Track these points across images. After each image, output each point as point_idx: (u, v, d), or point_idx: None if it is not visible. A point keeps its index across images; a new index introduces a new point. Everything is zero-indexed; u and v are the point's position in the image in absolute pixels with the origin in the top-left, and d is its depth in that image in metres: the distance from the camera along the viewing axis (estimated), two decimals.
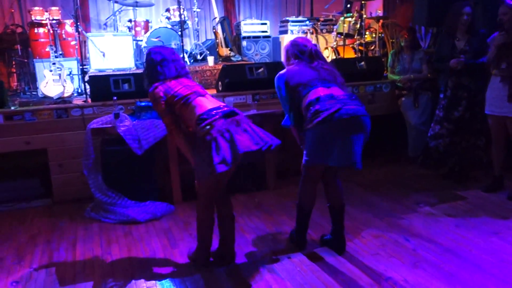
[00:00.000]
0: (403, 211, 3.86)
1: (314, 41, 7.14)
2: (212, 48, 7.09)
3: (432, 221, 3.62)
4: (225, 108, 2.83)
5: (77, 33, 5.37)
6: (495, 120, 4.03)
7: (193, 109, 2.82)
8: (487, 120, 4.14)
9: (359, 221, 3.58)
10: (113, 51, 5.89)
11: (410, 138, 5.18)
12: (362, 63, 5.44)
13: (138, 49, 6.54)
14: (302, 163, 3.07)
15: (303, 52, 3.10)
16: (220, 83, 5.07)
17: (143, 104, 4.17)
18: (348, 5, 7.29)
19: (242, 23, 7.17)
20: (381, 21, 6.68)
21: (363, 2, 6.73)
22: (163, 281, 2.88)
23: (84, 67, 5.57)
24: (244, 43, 7.02)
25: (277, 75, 3.12)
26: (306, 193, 3.16)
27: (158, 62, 2.91)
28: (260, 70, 4.97)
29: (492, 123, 4.08)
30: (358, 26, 6.66)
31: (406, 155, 5.22)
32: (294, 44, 3.16)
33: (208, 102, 2.87)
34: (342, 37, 6.70)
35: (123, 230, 3.72)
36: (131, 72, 5.41)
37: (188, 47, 7.44)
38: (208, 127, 2.69)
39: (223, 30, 6.94)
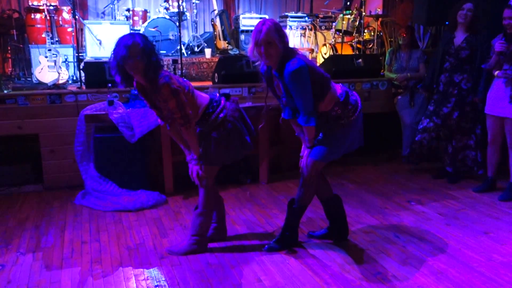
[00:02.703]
0: (395, 209, 3.86)
1: (312, 38, 7.14)
2: (210, 40, 7.05)
3: (423, 219, 3.62)
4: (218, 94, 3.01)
5: (74, 20, 5.31)
6: (494, 120, 4.03)
7: (197, 98, 2.85)
8: (485, 120, 4.14)
9: (350, 217, 3.57)
10: (110, 40, 5.82)
11: (404, 137, 5.17)
12: (360, 60, 5.43)
13: None
14: (315, 162, 2.89)
15: None
16: (216, 74, 5.05)
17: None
18: (348, 3, 7.26)
19: (241, 16, 7.14)
20: (380, 19, 6.67)
21: None
22: (151, 270, 2.86)
23: (80, 54, 5.52)
24: (242, 36, 6.99)
25: (296, 66, 2.63)
26: (314, 191, 3.09)
27: (154, 46, 2.73)
28: (257, 63, 4.93)
29: (490, 124, 4.07)
30: (357, 23, 6.64)
31: (400, 153, 5.22)
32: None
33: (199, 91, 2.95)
34: (341, 34, 6.68)
35: (113, 218, 3.70)
36: None
37: (185, 38, 7.40)
38: (221, 114, 2.83)
39: (222, 23, 6.90)
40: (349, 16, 6.71)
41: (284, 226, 3.15)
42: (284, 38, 2.70)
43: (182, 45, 6.12)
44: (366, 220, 3.62)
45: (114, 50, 2.65)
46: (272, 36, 2.64)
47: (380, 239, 3.26)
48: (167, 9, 6.87)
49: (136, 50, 2.60)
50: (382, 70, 5.62)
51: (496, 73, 3.93)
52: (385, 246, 3.15)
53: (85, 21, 6.05)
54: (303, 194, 3.05)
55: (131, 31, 6.05)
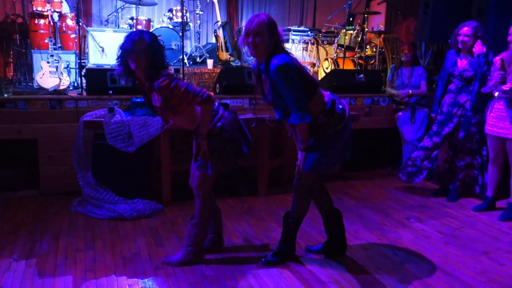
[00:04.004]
0: (393, 225, 3.83)
1: (314, 52, 7.16)
2: (212, 51, 7.06)
3: (421, 237, 3.59)
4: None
5: (77, 27, 5.32)
6: (494, 140, 4.02)
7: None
8: (486, 139, 4.12)
9: (349, 233, 3.53)
10: (113, 47, 5.81)
11: (404, 153, 5.16)
12: (362, 75, 5.43)
13: None
14: (306, 174, 2.86)
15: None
16: (218, 85, 5.05)
17: (139, 100, 4.12)
18: (351, 18, 7.31)
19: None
20: (382, 35, 6.70)
21: (365, 15, 6.76)
22: (146, 280, 2.82)
23: (82, 61, 5.52)
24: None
25: (281, 61, 2.62)
26: (308, 204, 3.04)
27: (162, 47, 2.73)
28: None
29: (491, 143, 4.06)
30: (359, 39, 6.67)
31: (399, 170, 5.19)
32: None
33: None
34: (343, 49, 6.70)
35: (108, 226, 3.66)
36: None
37: (188, 49, 7.42)
38: (219, 123, 2.81)
39: (225, 34, 6.92)
40: (351, 31, 6.74)
41: (281, 240, 3.11)
42: (275, 35, 2.68)
43: (184, 55, 6.13)
44: (364, 236, 3.58)
45: (122, 42, 2.70)
46: (262, 28, 2.65)
47: (378, 256, 3.23)
48: (170, 19, 6.89)
49: (141, 46, 2.63)
50: (383, 86, 5.63)
51: (496, 94, 3.92)
52: (383, 263, 3.12)
53: (89, 28, 6.06)
54: (297, 207, 3.02)
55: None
